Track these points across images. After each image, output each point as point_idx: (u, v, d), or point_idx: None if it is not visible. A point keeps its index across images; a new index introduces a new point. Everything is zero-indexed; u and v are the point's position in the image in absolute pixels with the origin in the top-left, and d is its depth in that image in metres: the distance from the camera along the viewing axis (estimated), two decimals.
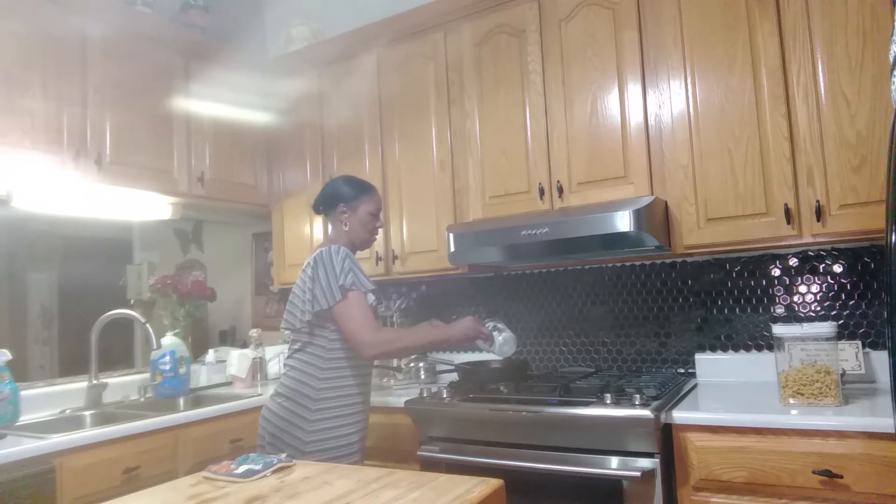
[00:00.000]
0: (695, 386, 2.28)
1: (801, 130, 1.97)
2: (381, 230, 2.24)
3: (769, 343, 2.28)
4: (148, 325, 2.55)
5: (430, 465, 2.10)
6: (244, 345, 3.18)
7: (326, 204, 2.12)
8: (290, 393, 1.96)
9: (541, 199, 2.40)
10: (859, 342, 2.09)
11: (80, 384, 2.56)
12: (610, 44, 2.30)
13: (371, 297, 1.98)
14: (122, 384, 2.71)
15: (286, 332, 2.08)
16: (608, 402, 1.90)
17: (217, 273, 3.57)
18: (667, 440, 1.85)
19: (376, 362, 2.95)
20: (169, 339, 2.73)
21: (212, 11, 3.16)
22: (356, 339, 1.89)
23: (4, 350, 2.17)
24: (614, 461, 1.87)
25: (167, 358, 2.65)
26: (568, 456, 1.92)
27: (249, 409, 2.52)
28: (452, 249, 2.42)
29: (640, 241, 2.07)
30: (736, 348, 2.37)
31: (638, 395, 1.88)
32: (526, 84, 2.46)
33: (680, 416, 1.83)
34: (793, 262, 2.28)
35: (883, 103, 1.84)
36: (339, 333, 1.94)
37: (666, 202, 2.18)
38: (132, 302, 3.28)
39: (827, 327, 1.84)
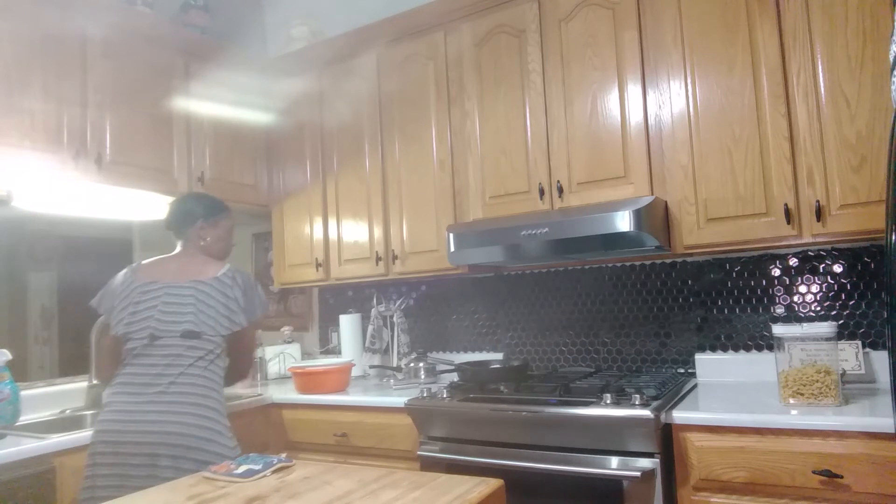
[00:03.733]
0: (695, 386, 2.28)
1: (801, 130, 1.97)
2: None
3: (769, 343, 2.28)
4: None
5: (430, 465, 2.10)
6: None
7: (184, 221, 2.10)
8: (207, 402, 1.82)
9: (541, 199, 2.40)
10: (859, 342, 2.09)
11: (80, 384, 2.56)
12: (610, 44, 2.30)
13: None
14: None
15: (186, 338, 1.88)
16: (608, 402, 1.90)
17: None
18: (667, 440, 1.85)
19: (377, 362, 2.96)
20: None
21: (212, 11, 3.16)
22: (251, 358, 2.13)
23: (4, 350, 2.18)
24: (614, 461, 1.87)
25: None
26: (568, 456, 1.92)
27: (249, 409, 2.52)
28: (452, 249, 2.42)
29: (640, 241, 2.07)
30: (736, 348, 2.37)
31: (638, 395, 1.88)
32: (526, 84, 2.46)
33: (680, 416, 1.83)
34: (793, 262, 2.28)
35: (883, 103, 1.84)
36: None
37: (666, 202, 2.18)
38: None
39: (827, 327, 1.84)
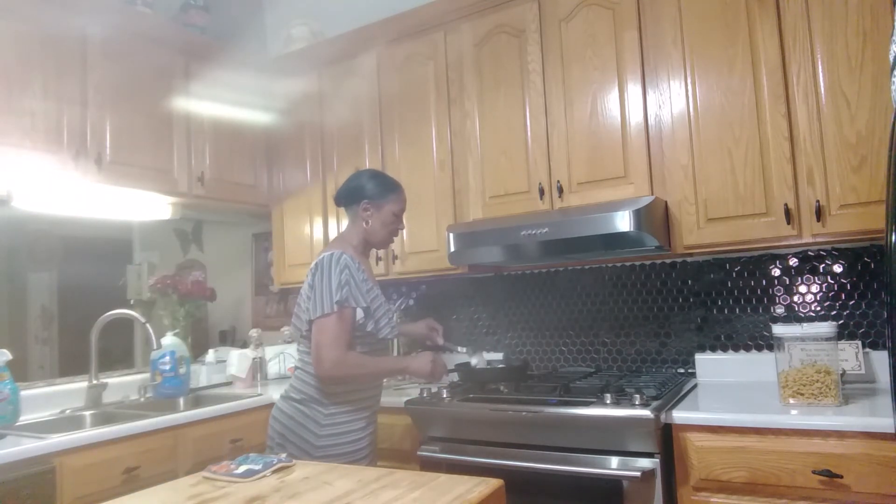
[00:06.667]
0: (695, 386, 2.28)
1: (801, 130, 1.97)
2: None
3: (769, 343, 2.28)
4: (148, 325, 2.55)
5: (430, 465, 2.10)
6: (244, 345, 3.18)
7: (349, 198, 2.04)
8: (301, 396, 1.92)
9: (541, 199, 2.40)
10: (859, 342, 2.09)
11: (80, 384, 2.56)
12: (610, 44, 2.30)
13: (360, 314, 1.89)
14: (122, 384, 2.71)
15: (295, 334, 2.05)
16: (608, 402, 1.90)
17: (217, 273, 3.57)
18: (667, 440, 1.85)
19: None
20: (169, 339, 2.73)
21: (212, 11, 3.16)
22: (318, 354, 1.82)
23: (4, 350, 2.17)
24: (614, 461, 1.87)
25: (167, 358, 2.65)
26: (568, 456, 1.92)
27: (249, 410, 2.52)
28: (452, 249, 2.42)
29: (640, 241, 2.07)
30: (736, 348, 2.37)
31: (638, 395, 1.88)
32: (526, 84, 2.46)
33: (680, 416, 1.83)
34: (793, 262, 2.28)
35: (883, 103, 1.84)
36: (358, 340, 1.91)
37: (666, 202, 2.18)
38: (132, 302, 3.28)
39: (827, 327, 1.84)
